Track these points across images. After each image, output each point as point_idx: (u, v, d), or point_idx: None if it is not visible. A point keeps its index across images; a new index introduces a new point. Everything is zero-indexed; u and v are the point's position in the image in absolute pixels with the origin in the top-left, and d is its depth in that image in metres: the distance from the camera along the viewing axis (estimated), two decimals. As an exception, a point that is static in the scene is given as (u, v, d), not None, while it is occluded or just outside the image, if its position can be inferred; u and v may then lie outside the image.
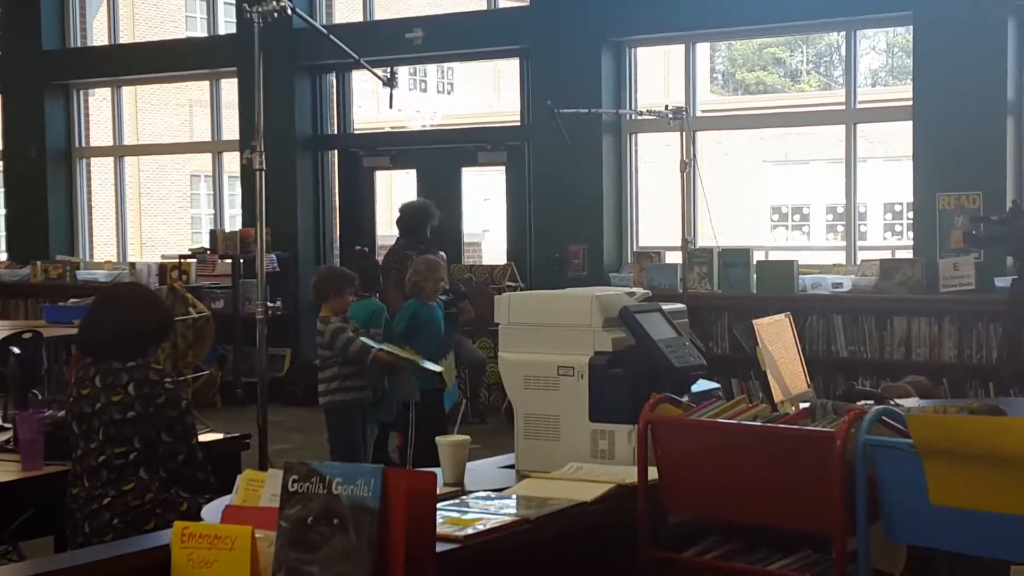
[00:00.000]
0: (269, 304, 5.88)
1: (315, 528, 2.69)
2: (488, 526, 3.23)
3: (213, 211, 14.00)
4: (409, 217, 9.07)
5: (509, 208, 11.60)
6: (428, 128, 19.82)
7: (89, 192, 14.04)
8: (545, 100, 9.36)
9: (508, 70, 14.73)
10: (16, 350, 6.19)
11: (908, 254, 9.82)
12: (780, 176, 23.87)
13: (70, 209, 13.78)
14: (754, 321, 4.67)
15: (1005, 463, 2.99)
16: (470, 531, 3.17)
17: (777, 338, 4.79)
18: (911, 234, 10.15)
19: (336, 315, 7.19)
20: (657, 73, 17.52)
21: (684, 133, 8.75)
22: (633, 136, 11.04)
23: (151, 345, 4.59)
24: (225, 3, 13.65)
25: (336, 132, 12.51)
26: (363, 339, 7.12)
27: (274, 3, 5.64)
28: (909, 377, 5.93)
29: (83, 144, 13.95)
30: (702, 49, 11.47)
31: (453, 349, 8.01)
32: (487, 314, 8.07)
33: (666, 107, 8.80)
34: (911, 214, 10.14)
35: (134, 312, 4.51)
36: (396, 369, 7.19)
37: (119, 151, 14.00)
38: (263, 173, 5.64)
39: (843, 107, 10.35)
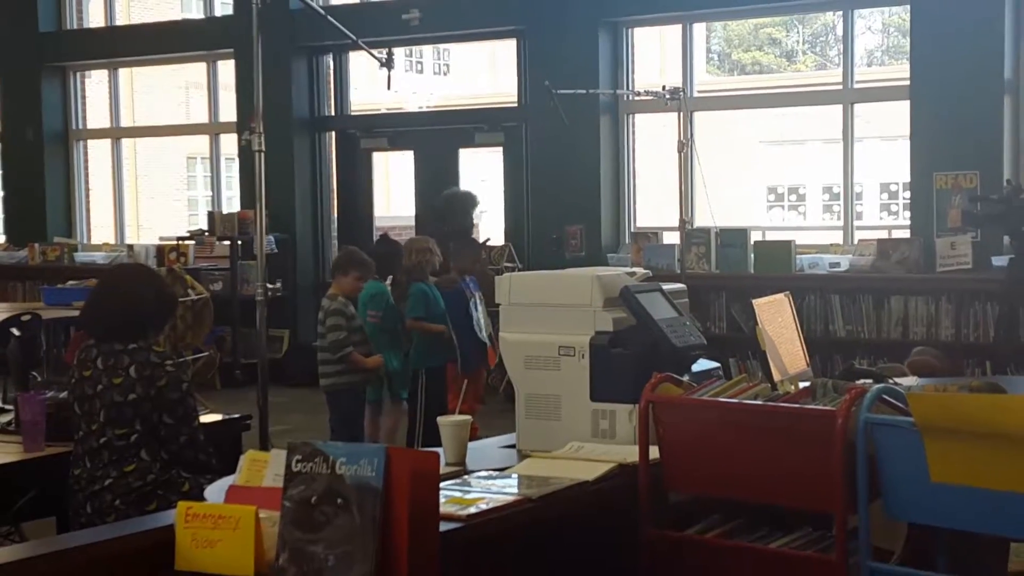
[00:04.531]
0: (268, 286, 5.89)
1: (319, 508, 2.70)
2: (490, 505, 3.24)
3: (210, 193, 13.99)
4: (450, 204, 9.05)
5: (506, 189, 11.60)
6: (425, 109, 19.78)
7: (86, 174, 14.03)
8: (542, 81, 9.34)
9: (505, 51, 14.69)
10: (16, 332, 6.21)
11: (905, 234, 9.82)
12: (776, 156, 23.83)
13: (67, 191, 13.78)
14: (753, 301, 4.68)
15: (1005, 440, 3.00)
16: (473, 510, 3.18)
17: (776, 317, 4.80)
18: (908, 214, 10.16)
19: (344, 294, 7.30)
20: (653, 54, 17.47)
21: (681, 113, 8.75)
22: (630, 117, 11.03)
23: (153, 327, 4.60)
24: (221, -16, 13.62)
25: (333, 114, 12.49)
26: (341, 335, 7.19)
27: (272, -16, 5.63)
28: (923, 348, 5.92)
29: (80, 126, 13.94)
30: (698, 29, 11.45)
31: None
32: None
33: (663, 87, 8.79)
34: (907, 194, 10.15)
35: (138, 293, 4.52)
36: (367, 369, 7.28)
37: (116, 133, 13.98)
38: (262, 155, 5.63)
39: (840, 87, 10.34)
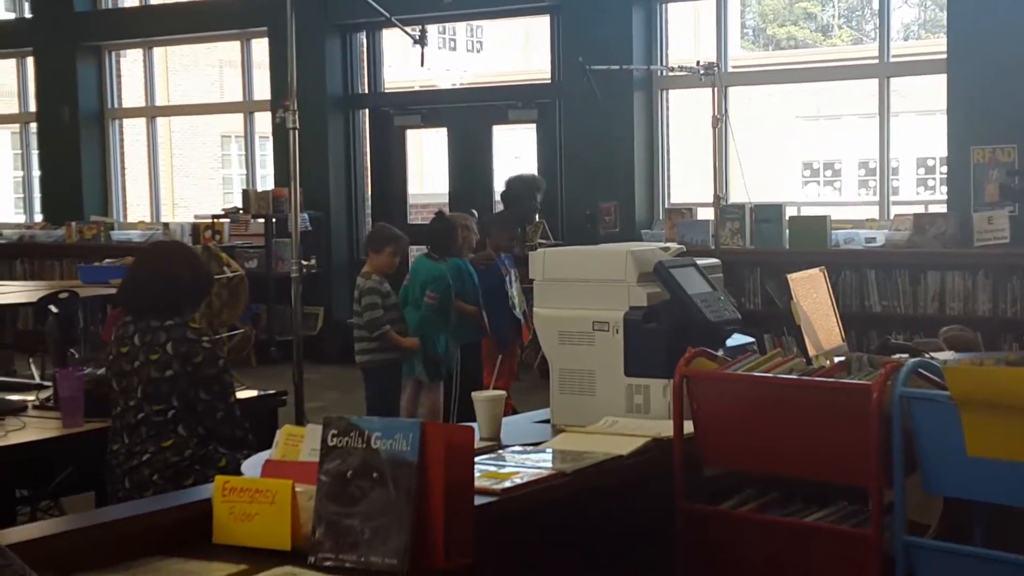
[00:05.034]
0: (303, 263, 5.92)
1: (354, 482, 2.72)
2: (525, 479, 3.25)
3: (244, 171, 14.04)
4: (516, 189, 9.20)
5: (540, 166, 11.58)
6: (459, 86, 19.77)
7: (122, 153, 14.10)
8: (576, 57, 9.33)
9: (538, 27, 14.66)
10: (54, 309, 6.26)
11: (941, 208, 9.76)
12: (812, 131, 23.70)
13: (103, 170, 13.85)
14: (788, 275, 4.66)
15: (1042, 414, 2.99)
16: (508, 484, 3.19)
17: (811, 292, 4.77)
18: (944, 189, 10.09)
19: (378, 272, 7.30)
20: (687, 29, 17.40)
21: (715, 89, 8.72)
22: (664, 92, 10.99)
23: (190, 304, 4.62)
24: (255, -38, 13.63)
25: (367, 91, 12.50)
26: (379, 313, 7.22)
27: (305, -39, 5.64)
28: (949, 327, 5.89)
29: (115, 105, 14.00)
30: (732, 4, 11.37)
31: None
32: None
33: (697, 63, 8.77)
34: (944, 168, 10.07)
35: (174, 271, 4.55)
36: (403, 349, 7.28)
37: (151, 112, 14.05)
38: (296, 132, 5.66)
39: (876, 61, 10.27)
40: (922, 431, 3.22)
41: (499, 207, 11.45)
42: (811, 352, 4.35)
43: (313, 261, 11.58)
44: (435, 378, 7.61)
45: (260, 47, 12.81)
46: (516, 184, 9.26)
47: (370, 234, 7.69)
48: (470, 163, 11.95)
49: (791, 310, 4.50)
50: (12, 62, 14.72)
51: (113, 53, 14.00)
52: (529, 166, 11.67)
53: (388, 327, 7.20)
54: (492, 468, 3.35)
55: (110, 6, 13.86)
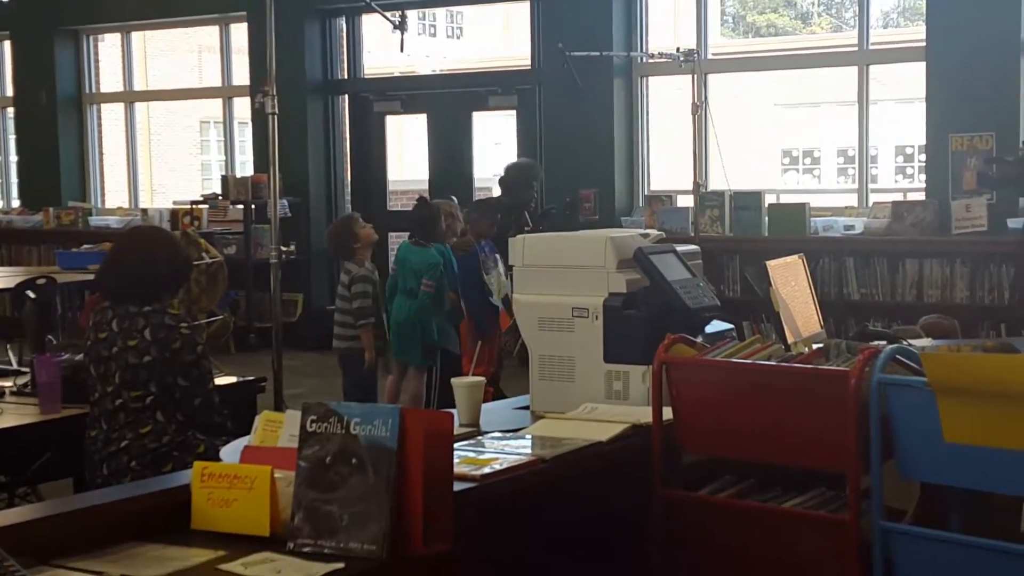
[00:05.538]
0: (282, 249, 5.91)
1: (333, 468, 2.72)
2: (504, 466, 3.25)
3: (223, 157, 13.99)
4: (513, 176, 9.19)
5: (520, 152, 11.55)
6: (438, 73, 19.74)
7: (100, 138, 14.03)
8: (556, 43, 9.31)
9: (518, 13, 14.64)
10: (32, 295, 6.24)
11: (920, 196, 9.79)
12: (791, 119, 23.73)
13: (81, 155, 13.78)
14: (767, 263, 4.67)
15: (1018, 400, 3.01)
16: (487, 470, 3.20)
17: (790, 280, 4.79)
18: (923, 177, 10.12)
19: (368, 247, 7.30)
20: (667, 16, 17.40)
21: (695, 76, 8.72)
22: (644, 79, 10.98)
23: (168, 290, 4.61)
24: (233, -53, 13.55)
25: (346, 77, 12.47)
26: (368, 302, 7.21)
27: (285, -54, 5.62)
28: (929, 316, 5.92)
29: (93, 90, 13.93)
30: (713, -9, 11.41)
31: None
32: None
33: (677, 50, 8.77)
34: (923, 156, 10.10)
35: (152, 257, 4.53)
36: (366, 349, 7.23)
37: (129, 97, 13.98)
38: (275, 118, 5.64)
39: (855, 49, 10.29)
40: (899, 417, 3.23)
41: (479, 194, 11.51)
42: (790, 339, 4.37)
43: (292, 247, 11.60)
44: (429, 364, 7.60)
45: (239, 32, 12.75)
46: (512, 172, 9.24)
47: (337, 237, 7.51)
48: (450, 149, 11.94)
49: (770, 297, 4.52)
50: (-11, 46, 14.65)
51: (91, 37, 13.92)
52: (509, 153, 11.66)
53: (372, 321, 7.16)
54: (471, 454, 3.35)
55: (88, -10, 13.78)
